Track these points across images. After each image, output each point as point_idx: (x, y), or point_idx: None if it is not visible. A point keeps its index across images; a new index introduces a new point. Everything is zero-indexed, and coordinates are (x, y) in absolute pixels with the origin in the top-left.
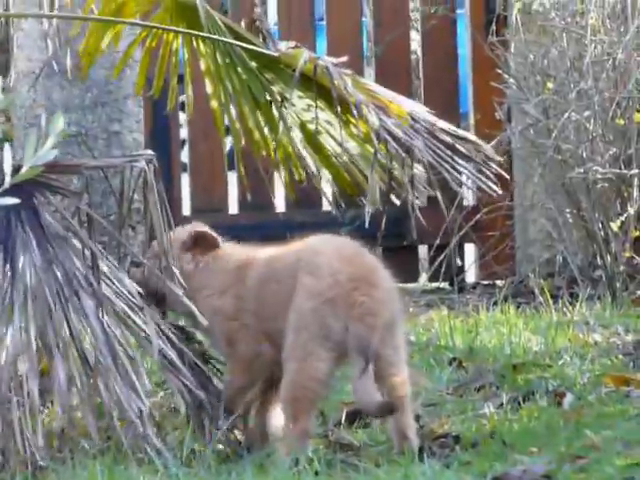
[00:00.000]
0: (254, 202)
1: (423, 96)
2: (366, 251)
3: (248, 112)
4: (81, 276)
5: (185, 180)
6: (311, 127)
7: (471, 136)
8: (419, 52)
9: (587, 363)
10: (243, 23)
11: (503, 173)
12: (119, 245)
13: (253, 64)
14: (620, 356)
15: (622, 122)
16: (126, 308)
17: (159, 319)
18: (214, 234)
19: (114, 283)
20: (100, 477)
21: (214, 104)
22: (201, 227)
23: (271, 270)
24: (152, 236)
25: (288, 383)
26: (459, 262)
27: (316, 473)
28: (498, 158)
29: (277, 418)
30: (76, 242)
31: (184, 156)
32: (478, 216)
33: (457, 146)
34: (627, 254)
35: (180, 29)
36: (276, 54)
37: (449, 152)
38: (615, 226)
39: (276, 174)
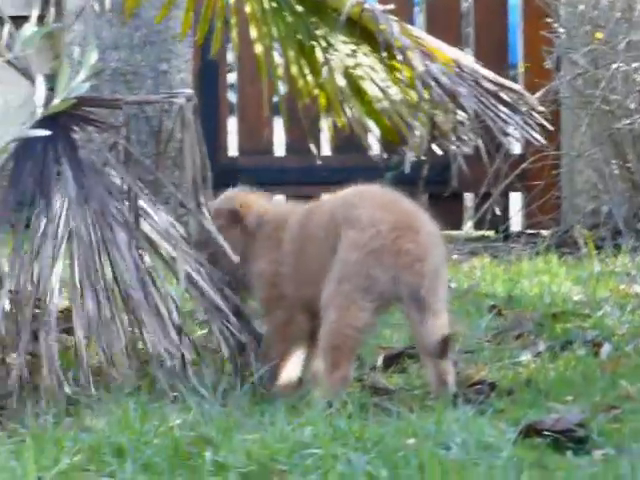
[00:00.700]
0: (300, 145)
1: (473, 45)
2: (403, 197)
3: (293, 57)
4: (116, 211)
5: (232, 122)
6: (354, 72)
7: (516, 86)
8: (470, 0)
9: (627, 314)
10: None
11: (546, 124)
12: (157, 181)
13: (299, 7)
14: None
15: None
16: (165, 244)
17: (200, 259)
18: (253, 201)
19: (152, 219)
20: (133, 414)
21: (259, 48)
22: (243, 196)
23: (305, 232)
24: (194, 179)
25: (328, 332)
26: (498, 211)
27: (349, 416)
28: (542, 109)
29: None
30: (113, 177)
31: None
32: (524, 165)
33: (502, 95)
34: None
35: None
36: None
37: (493, 101)
38: None
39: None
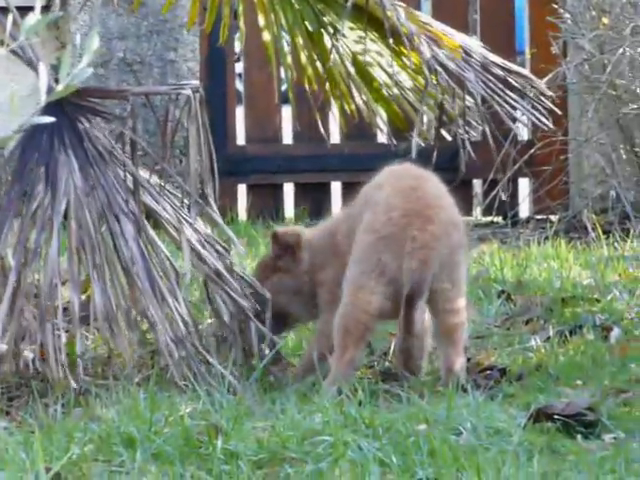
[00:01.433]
0: (308, 133)
1: (480, 30)
2: (429, 181)
3: (301, 44)
4: (122, 200)
5: (240, 110)
6: (362, 59)
7: (524, 71)
8: None
9: (636, 298)
10: None
11: (555, 109)
12: (163, 171)
13: None
14: None
15: None
16: (168, 227)
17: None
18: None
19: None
20: (143, 404)
21: (266, 36)
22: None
23: (350, 222)
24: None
25: (340, 314)
26: (504, 197)
27: (360, 403)
28: (550, 93)
29: None
30: (119, 167)
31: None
32: (532, 150)
33: (510, 80)
34: None
35: None
36: None
37: (501, 86)
38: None
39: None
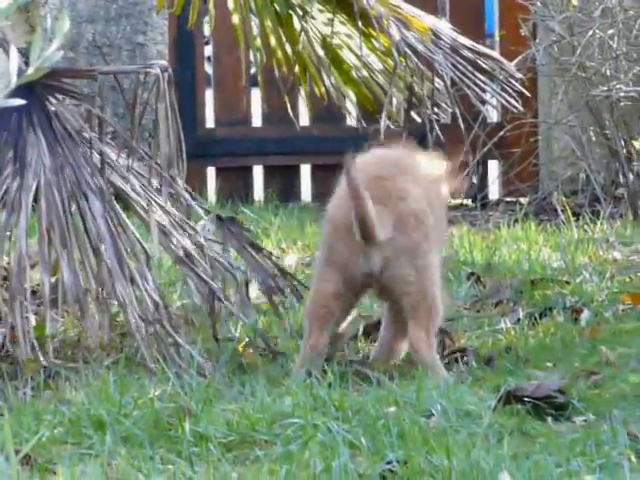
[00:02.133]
0: (278, 116)
1: (449, 13)
2: (408, 165)
3: (270, 27)
4: (90, 178)
5: (209, 93)
6: (331, 41)
7: (494, 53)
8: None
9: (605, 280)
10: None
11: (524, 91)
12: (132, 150)
13: None
14: (639, 274)
15: None
16: (136, 207)
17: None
18: None
19: (126, 182)
20: (112, 386)
21: (235, 19)
22: None
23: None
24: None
25: (308, 300)
26: (474, 179)
27: (329, 385)
28: (520, 76)
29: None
30: (87, 146)
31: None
32: (502, 133)
33: (479, 62)
34: None
35: None
36: None
37: (471, 68)
38: (638, 144)
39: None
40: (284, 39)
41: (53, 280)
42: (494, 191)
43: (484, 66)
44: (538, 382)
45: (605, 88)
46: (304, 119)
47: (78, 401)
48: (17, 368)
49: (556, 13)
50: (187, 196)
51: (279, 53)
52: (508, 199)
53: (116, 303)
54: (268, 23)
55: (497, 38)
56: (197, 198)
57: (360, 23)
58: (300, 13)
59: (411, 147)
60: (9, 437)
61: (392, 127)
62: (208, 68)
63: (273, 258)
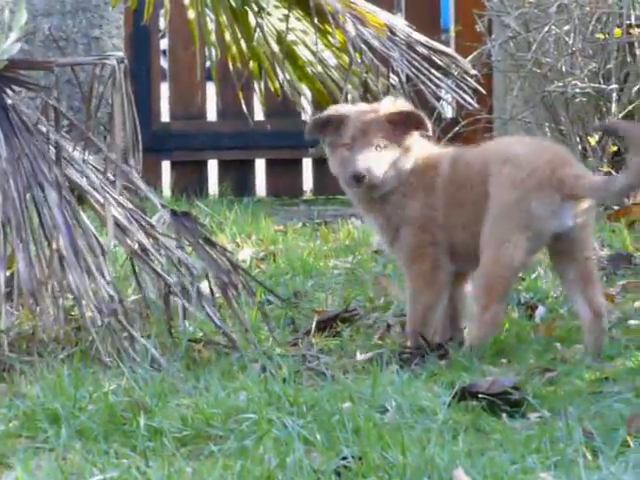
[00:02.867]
0: (233, 110)
1: (404, 8)
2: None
3: (225, 22)
4: (47, 170)
5: (165, 87)
6: (287, 37)
7: (448, 50)
8: None
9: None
10: None
11: (479, 87)
12: (87, 140)
13: None
14: None
15: (602, 37)
16: (92, 201)
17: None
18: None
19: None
20: (67, 380)
21: (191, 14)
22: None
23: (458, 176)
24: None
25: (482, 273)
26: None
27: (284, 380)
28: (475, 72)
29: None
30: (43, 137)
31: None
32: (457, 128)
33: (434, 59)
34: (604, 169)
35: None
36: None
37: (426, 65)
38: (593, 141)
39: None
40: (239, 34)
41: (8, 273)
42: None
43: (439, 62)
44: (493, 378)
45: (561, 84)
46: (259, 114)
47: (33, 395)
48: None
49: (512, 9)
50: (143, 187)
51: (234, 48)
52: None
53: (71, 297)
54: (223, 18)
55: (452, 33)
56: (152, 191)
57: (316, 19)
58: (255, 9)
59: None
60: None
61: None
62: (164, 62)
63: (227, 254)
